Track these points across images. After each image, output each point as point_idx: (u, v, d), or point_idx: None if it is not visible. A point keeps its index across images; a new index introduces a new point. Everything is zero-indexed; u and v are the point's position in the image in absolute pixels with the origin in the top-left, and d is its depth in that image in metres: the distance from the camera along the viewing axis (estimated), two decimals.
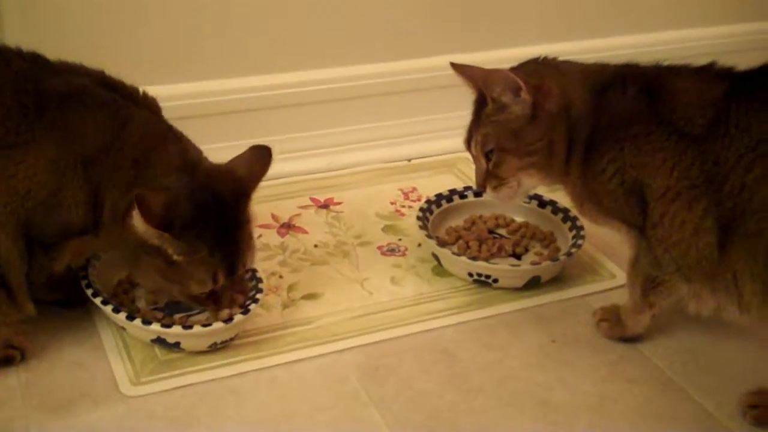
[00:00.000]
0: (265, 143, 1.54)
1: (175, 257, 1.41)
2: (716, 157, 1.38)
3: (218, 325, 1.48)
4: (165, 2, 1.88)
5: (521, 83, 1.47)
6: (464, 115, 1.60)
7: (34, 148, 1.38)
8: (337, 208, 1.95)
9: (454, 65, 1.60)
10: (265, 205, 1.90)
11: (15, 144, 1.37)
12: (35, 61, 1.44)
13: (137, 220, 1.36)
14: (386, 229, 1.89)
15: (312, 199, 1.97)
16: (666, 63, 1.51)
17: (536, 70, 1.53)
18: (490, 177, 1.56)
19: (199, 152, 1.50)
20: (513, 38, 2.20)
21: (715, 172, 1.38)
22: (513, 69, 1.54)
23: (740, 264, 1.38)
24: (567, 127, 1.50)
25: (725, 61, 1.48)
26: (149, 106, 1.50)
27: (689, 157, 1.40)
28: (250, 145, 1.53)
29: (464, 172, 2.08)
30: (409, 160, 2.16)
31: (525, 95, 1.48)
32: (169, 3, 1.88)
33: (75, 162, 1.40)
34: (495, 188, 1.57)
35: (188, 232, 1.39)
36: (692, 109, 1.41)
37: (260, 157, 1.49)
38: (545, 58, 1.57)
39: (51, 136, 1.39)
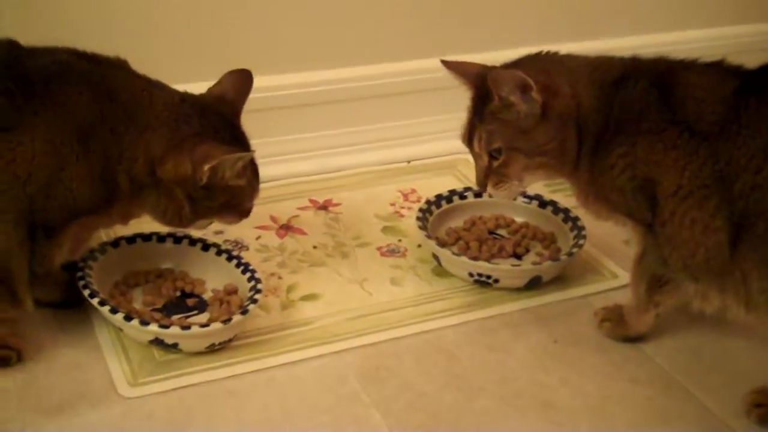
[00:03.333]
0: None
1: (241, 183, 1.48)
2: (728, 156, 1.36)
3: (216, 325, 1.46)
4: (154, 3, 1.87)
5: (531, 83, 1.44)
6: (464, 116, 1.58)
7: (27, 130, 1.37)
8: (336, 209, 1.93)
9: (445, 62, 1.58)
10: (263, 206, 1.87)
11: (8, 129, 1.36)
12: (12, 47, 1.43)
13: (221, 174, 1.43)
14: (386, 230, 1.87)
15: (311, 201, 1.96)
16: (673, 58, 1.49)
17: (543, 68, 1.50)
18: (492, 175, 1.54)
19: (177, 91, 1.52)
20: (512, 39, 2.18)
21: (727, 172, 1.36)
22: (516, 65, 1.51)
23: (749, 263, 1.36)
24: (577, 125, 1.48)
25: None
26: (125, 66, 1.50)
27: (701, 156, 1.38)
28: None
29: (464, 174, 2.07)
30: (408, 162, 2.14)
31: (536, 95, 1.45)
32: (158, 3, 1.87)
33: (71, 138, 1.39)
34: (496, 185, 1.55)
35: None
36: (704, 105, 1.40)
37: (243, 80, 1.57)
38: (547, 53, 1.54)
39: (42, 117, 1.38)
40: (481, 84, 1.51)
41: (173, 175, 1.43)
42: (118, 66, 1.49)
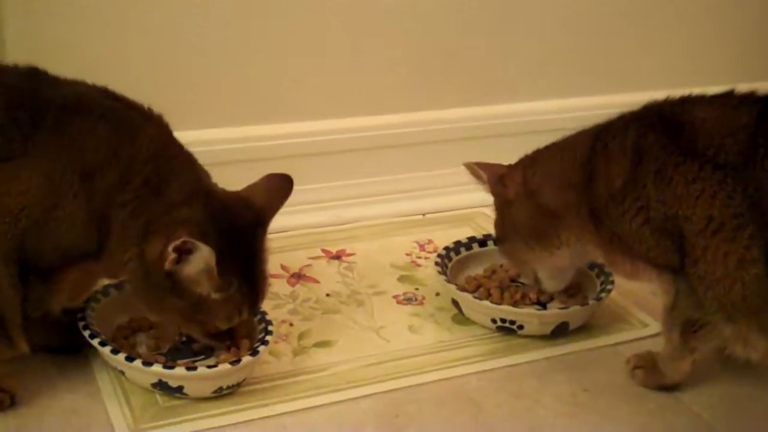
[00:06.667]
0: None
1: (213, 295, 1.33)
2: (758, 182, 1.29)
3: (225, 366, 1.37)
4: (167, 50, 1.82)
5: (481, 173, 1.58)
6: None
7: (27, 162, 1.29)
8: (350, 258, 1.85)
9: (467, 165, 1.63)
10: (274, 256, 1.77)
11: (6, 159, 1.28)
12: (32, 75, 1.36)
13: (186, 266, 1.29)
14: (402, 279, 1.79)
15: (323, 251, 1.88)
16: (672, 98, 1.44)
17: (515, 165, 1.57)
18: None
19: (209, 176, 1.42)
20: (527, 91, 2.16)
21: (758, 197, 1.29)
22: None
23: None
24: (544, 206, 1.50)
25: None
26: (157, 121, 1.40)
27: (729, 184, 1.31)
28: None
29: (483, 227, 1.99)
30: (424, 215, 2.07)
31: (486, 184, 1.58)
32: (173, 52, 1.83)
33: (72, 175, 1.30)
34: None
35: (221, 267, 1.30)
36: (720, 137, 1.33)
37: (280, 186, 1.44)
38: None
39: (45, 149, 1.29)
40: None
41: (150, 256, 1.31)
42: (149, 117, 1.39)
